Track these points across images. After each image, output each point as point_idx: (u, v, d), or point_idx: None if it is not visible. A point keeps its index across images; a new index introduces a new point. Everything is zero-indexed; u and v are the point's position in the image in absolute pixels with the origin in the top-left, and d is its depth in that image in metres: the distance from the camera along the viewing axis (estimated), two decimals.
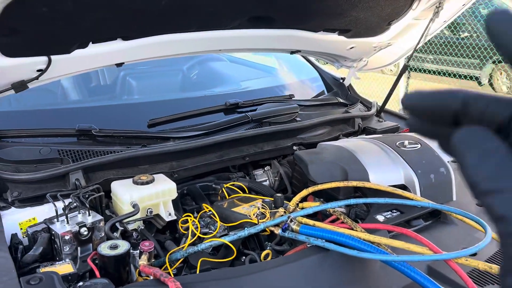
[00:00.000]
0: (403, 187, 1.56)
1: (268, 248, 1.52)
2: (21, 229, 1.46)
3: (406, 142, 1.67)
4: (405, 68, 2.27)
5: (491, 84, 9.29)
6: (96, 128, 1.77)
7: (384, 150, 1.63)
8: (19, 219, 1.46)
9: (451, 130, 0.40)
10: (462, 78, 9.50)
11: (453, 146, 0.38)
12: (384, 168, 1.57)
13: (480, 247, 1.11)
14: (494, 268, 1.09)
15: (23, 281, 1.11)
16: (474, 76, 9.42)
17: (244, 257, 1.49)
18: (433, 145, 1.69)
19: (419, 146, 1.66)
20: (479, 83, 9.31)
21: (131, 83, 2.41)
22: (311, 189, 1.51)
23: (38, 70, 1.48)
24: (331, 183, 1.50)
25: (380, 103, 2.50)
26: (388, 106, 2.57)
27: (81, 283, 1.17)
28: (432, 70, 9.30)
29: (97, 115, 1.98)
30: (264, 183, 1.97)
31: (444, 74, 8.92)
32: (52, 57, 1.46)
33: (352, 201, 1.44)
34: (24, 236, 1.44)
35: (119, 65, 1.72)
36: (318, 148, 1.77)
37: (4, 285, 1.08)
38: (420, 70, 9.62)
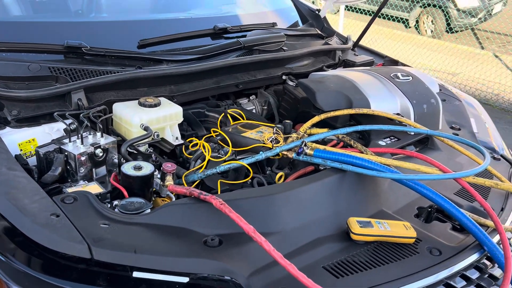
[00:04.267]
0: (398, 115, 1.67)
1: (268, 171, 1.58)
2: (21, 150, 1.37)
3: (399, 74, 1.77)
4: (385, 2, 2.33)
5: (416, 28, 9.80)
6: (86, 46, 1.64)
7: (381, 81, 1.72)
8: (18, 140, 1.36)
9: None
10: (392, 20, 9.89)
11: None
12: (383, 97, 1.66)
13: (483, 167, 1.27)
14: (500, 185, 1.25)
15: (57, 200, 1.07)
16: (402, 18, 9.84)
17: (251, 180, 1.54)
18: (421, 77, 1.81)
19: (411, 78, 1.77)
20: (406, 25, 9.77)
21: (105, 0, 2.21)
22: (323, 116, 1.57)
23: None
24: (342, 110, 1.57)
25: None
26: None
27: (117, 202, 1.15)
28: (364, 9, 9.55)
29: (81, 32, 1.81)
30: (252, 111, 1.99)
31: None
32: None
33: (360, 127, 1.53)
34: (27, 157, 1.35)
35: None
36: (318, 78, 1.81)
37: (39, 205, 1.04)
38: (353, 10, 9.81)
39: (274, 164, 1.60)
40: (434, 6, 9.10)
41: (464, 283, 1.16)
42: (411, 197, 1.41)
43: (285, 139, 1.53)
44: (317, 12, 2.66)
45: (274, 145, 1.49)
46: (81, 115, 1.35)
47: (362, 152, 1.45)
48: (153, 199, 1.34)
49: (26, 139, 1.38)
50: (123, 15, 2.03)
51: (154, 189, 1.34)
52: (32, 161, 1.33)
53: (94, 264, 0.95)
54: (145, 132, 1.42)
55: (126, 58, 1.71)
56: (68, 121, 1.33)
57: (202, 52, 1.86)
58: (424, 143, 1.71)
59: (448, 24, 9.06)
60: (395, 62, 2.44)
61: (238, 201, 1.17)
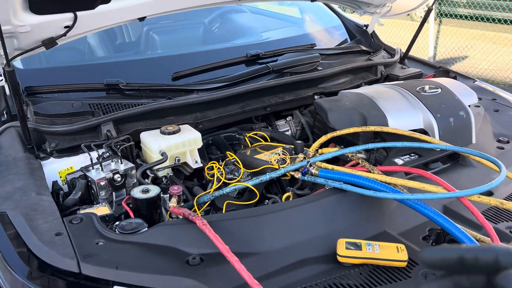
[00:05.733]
0: (422, 131, 1.58)
1: (290, 192, 1.59)
2: (60, 177, 1.58)
3: (426, 87, 1.67)
4: (428, 12, 2.22)
5: None
6: (123, 82, 1.84)
7: (404, 96, 1.65)
8: (58, 168, 1.58)
9: None
10: (497, 22, 9.04)
11: None
12: (403, 113, 1.59)
13: (493, 185, 1.15)
14: (506, 204, 1.13)
15: (66, 221, 1.23)
16: (510, 19, 8.94)
17: (267, 201, 1.57)
18: (454, 89, 1.69)
19: (439, 90, 1.66)
20: None
21: (155, 38, 2.46)
22: (329, 135, 1.56)
23: (65, 27, 1.55)
24: (348, 129, 1.54)
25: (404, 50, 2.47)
26: (414, 54, 2.53)
27: (117, 222, 1.28)
28: (465, 15, 8.87)
29: (123, 70, 2.05)
30: (286, 132, 2.03)
31: (478, 18, 8.51)
32: (78, 13, 1.51)
33: (370, 145, 1.48)
34: (64, 184, 1.56)
35: (141, 19, 1.76)
36: (338, 96, 1.79)
37: (49, 224, 1.21)
38: (452, 16, 9.19)
39: (296, 184, 1.61)
40: None
41: None
42: (424, 218, 1.32)
43: (293, 159, 1.54)
44: (364, 28, 2.62)
45: (280, 165, 1.52)
46: (104, 144, 1.53)
47: (369, 171, 1.40)
48: (167, 219, 1.45)
49: (65, 168, 1.59)
50: (164, 51, 2.23)
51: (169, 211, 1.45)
52: None
53: (82, 278, 1.07)
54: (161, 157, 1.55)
55: (159, 91, 1.88)
56: (93, 152, 1.52)
57: (231, 79, 1.97)
58: (456, 158, 1.58)
59: None
60: (447, 73, 2.29)
61: (226, 222, 1.23)
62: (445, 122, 1.56)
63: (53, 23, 1.52)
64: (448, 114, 1.57)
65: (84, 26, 1.62)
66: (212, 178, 1.65)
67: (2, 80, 1.66)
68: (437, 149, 1.51)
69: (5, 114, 1.73)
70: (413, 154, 1.53)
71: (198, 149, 1.69)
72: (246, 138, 1.79)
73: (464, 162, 1.55)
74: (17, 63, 1.89)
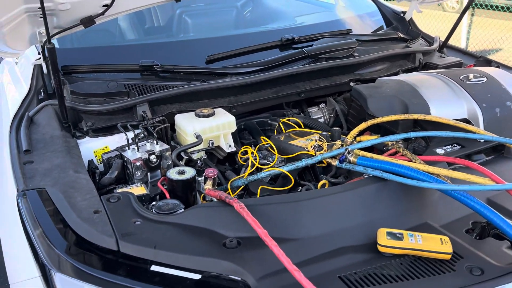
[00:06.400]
0: (466, 121, 1.52)
1: (324, 179, 1.56)
2: (95, 156, 1.59)
3: (471, 76, 1.60)
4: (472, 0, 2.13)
5: None
6: (158, 64, 1.83)
7: (447, 84, 1.58)
8: (94, 147, 1.59)
9: None
10: None
11: None
12: (447, 102, 1.53)
13: None
14: None
15: (104, 199, 1.23)
16: None
17: (300, 188, 1.54)
18: (500, 78, 1.62)
19: (485, 79, 1.59)
20: None
21: (187, 21, 2.43)
22: (370, 122, 1.51)
23: (104, 6, 1.54)
24: (390, 116, 1.49)
25: (442, 39, 2.38)
26: (450, 42, 2.44)
27: (154, 203, 1.28)
28: (499, 6, 8.55)
29: (157, 52, 2.04)
30: (319, 120, 1.99)
31: None
32: None
33: (412, 134, 1.44)
34: (99, 163, 1.57)
35: (178, 0, 1.74)
36: (377, 83, 1.74)
37: (88, 202, 1.21)
38: (485, 6, 8.87)
39: (330, 172, 1.58)
40: None
41: None
42: (467, 210, 1.27)
43: (330, 146, 1.51)
44: (402, 14, 2.53)
45: (317, 152, 1.48)
46: (139, 125, 1.52)
47: (410, 161, 1.36)
48: (201, 202, 1.44)
49: (100, 147, 1.60)
50: (196, 34, 2.21)
51: (203, 193, 1.44)
52: None
53: (120, 256, 1.07)
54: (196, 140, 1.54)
55: (193, 73, 1.87)
56: (128, 132, 1.51)
57: (265, 63, 1.93)
58: (500, 151, 1.52)
59: None
60: (489, 62, 2.20)
61: (262, 206, 1.21)
62: (491, 112, 1.50)
63: (92, 1, 1.51)
64: (494, 104, 1.51)
65: (122, 5, 1.61)
66: (245, 163, 1.63)
67: (40, 58, 1.68)
68: (481, 140, 1.45)
69: (42, 93, 1.74)
70: (455, 145, 1.48)
71: (231, 134, 1.67)
72: (280, 123, 1.76)
73: (509, 155, 1.49)
74: (54, 42, 1.89)
